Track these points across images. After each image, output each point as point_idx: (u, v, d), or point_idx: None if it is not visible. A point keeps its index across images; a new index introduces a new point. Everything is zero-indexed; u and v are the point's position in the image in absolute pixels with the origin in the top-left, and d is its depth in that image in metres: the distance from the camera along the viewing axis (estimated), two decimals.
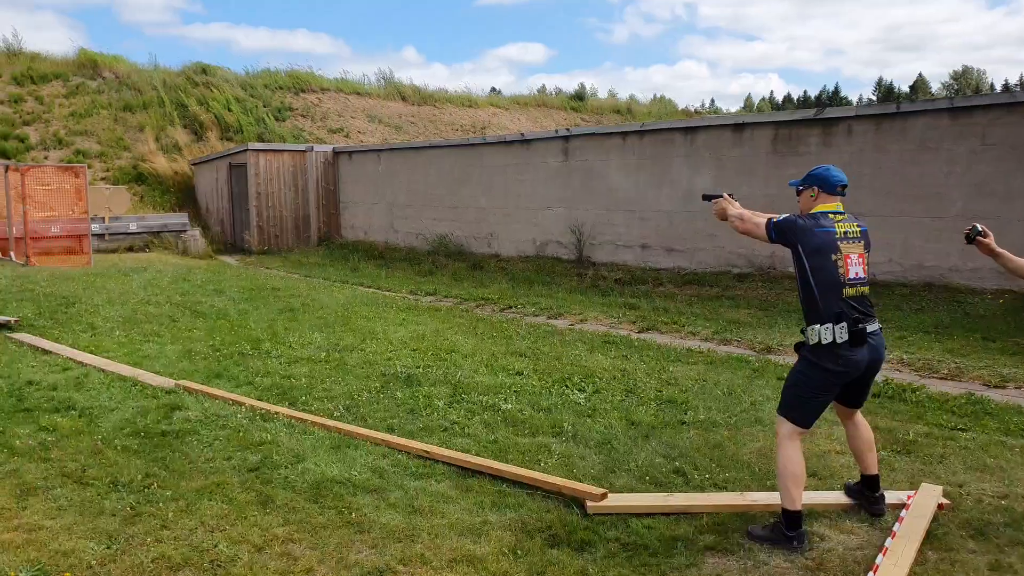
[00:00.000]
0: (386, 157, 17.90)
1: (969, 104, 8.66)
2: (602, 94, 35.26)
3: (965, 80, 65.97)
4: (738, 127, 10.79)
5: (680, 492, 3.94)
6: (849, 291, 3.40)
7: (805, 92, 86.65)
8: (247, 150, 18.04)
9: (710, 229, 11.31)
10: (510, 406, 5.46)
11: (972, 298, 8.32)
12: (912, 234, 9.00)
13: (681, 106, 41.96)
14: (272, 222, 18.51)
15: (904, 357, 6.80)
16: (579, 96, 37.58)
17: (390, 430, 4.89)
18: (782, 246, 3.56)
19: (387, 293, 11.87)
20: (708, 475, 4.20)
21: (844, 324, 3.33)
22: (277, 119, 25.75)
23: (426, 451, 4.48)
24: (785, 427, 3.49)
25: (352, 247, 18.01)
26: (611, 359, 7.03)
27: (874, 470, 3.70)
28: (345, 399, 5.55)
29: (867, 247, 3.53)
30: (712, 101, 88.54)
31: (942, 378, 6.27)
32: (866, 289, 3.48)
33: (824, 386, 3.42)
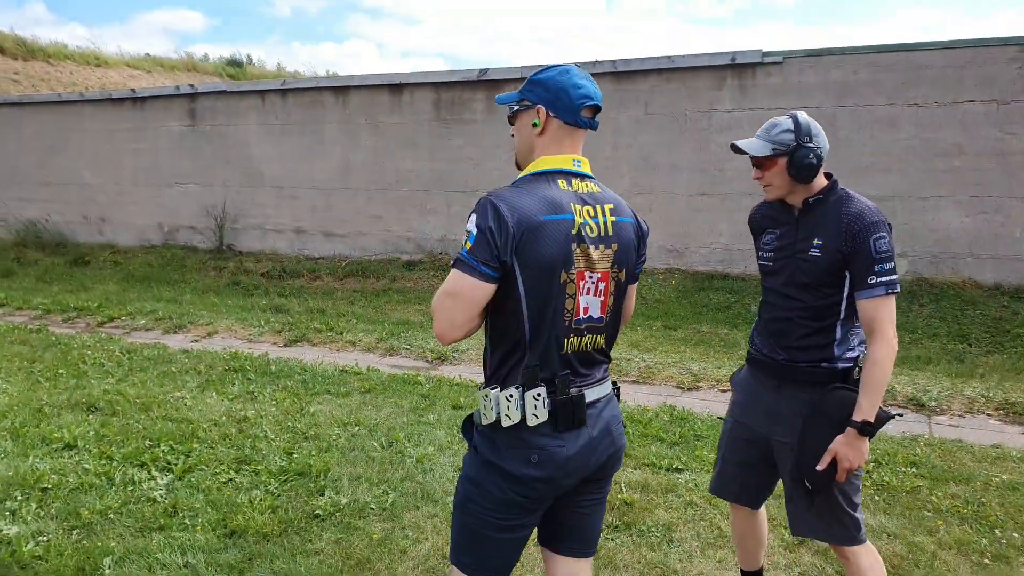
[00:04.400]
0: None
1: (630, 69, 8.01)
2: (270, 66, 30.71)
3: None
4: (396, 88, 9.23)
5: None
6: (573, 342, 1.76)
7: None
8: None
9: (374, 209, 9.67)
10: (20, 528, 3.21)
11: (645, 279, 7.81)
12: None
13: None
14: None
15: None
16: (236, 63, 32.35)
17: None
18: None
19: None
20: None
21: (542, 390, 1.72)
22: None
23: None
24: None
25: None
26: (230, 400, 5.02)
27: None
28: None
29: (626, 258, 1.79)
30: None
31: (634, 381, 5.37)
32: (600, 339, 1.82)
33: (509, 505, 1.77)
